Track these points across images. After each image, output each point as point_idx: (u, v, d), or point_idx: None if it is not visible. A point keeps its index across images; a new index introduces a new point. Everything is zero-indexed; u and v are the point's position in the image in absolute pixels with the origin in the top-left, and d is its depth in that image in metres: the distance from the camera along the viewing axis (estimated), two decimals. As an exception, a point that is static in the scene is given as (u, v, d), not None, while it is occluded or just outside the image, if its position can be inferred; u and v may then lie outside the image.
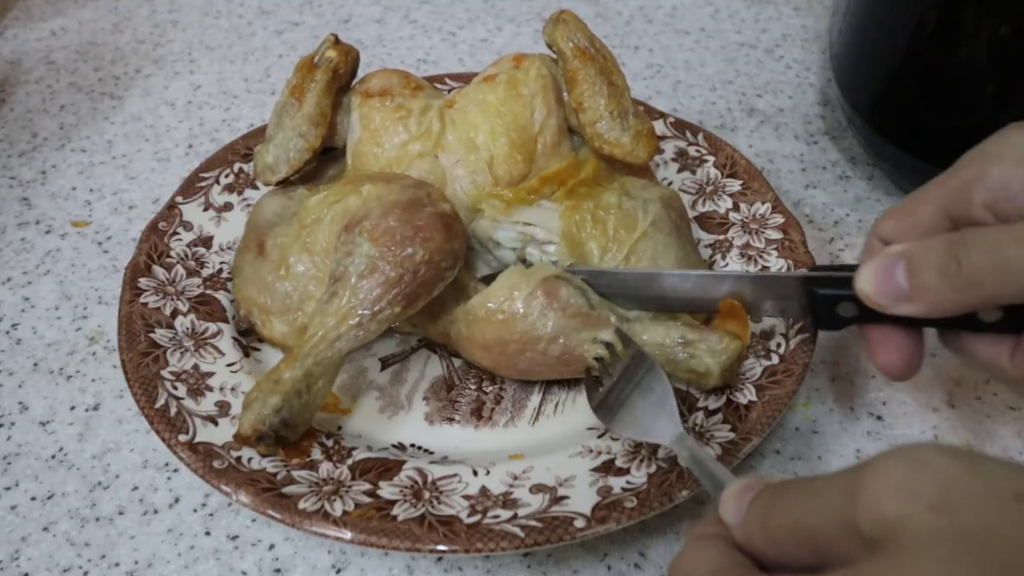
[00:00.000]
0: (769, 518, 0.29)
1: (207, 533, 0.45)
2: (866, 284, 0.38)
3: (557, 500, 0.42)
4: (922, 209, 0.39)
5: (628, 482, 0.42)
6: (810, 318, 0.46)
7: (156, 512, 0.46)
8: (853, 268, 0.40)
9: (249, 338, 0.51)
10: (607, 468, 0.43)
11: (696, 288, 0.47)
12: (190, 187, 0.58)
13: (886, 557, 0.25)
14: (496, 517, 0.41)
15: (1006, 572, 0.24)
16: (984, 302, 0.36)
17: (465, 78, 0.66)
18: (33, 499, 0.46)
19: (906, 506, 0.25)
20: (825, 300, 0.43)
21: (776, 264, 0.53)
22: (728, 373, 0.45)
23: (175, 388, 0.47)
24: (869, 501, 0.26)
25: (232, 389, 0.47)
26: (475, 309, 0.46)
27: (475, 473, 0.44)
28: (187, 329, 0.50)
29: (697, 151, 0.61)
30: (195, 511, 0.46)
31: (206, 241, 0.56)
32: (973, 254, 0.35)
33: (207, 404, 0.46)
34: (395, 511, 0.41)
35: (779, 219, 0.55)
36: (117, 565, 0.43)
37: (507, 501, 0.42)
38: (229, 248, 0.56)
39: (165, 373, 0.47)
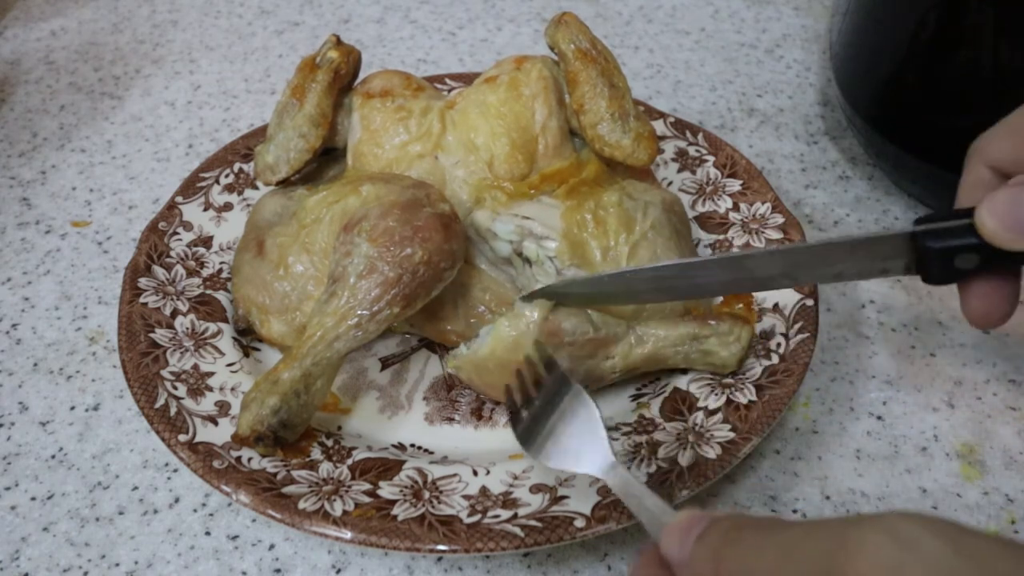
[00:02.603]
0: (723, 560, 0.27)
1: (207, 533, 0.45)
2: (990, 221, 0.34)
3: (557, 500, 0.42)
4: None
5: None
6: (917, 274, 0.40)
7: (156, 512, 0.46)
8: (962, 214, 0.36)
9: (248, 338, 0.51)
10: (607, 468, 0.44)
11: (787, 264, 0.41)
12: (190, 187, 0.58)
13: None
14: (496, 517, 0.41)
15: None
16: None
17: (465, 78, 0.66)
18: (33, 499, 0.46)
19: None
20: (940, 254, 0.37)
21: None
22: (744, 358, 0.47)
23: (175, 388, 0.47)
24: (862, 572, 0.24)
25: (232, 389, 0.47)
26: (484, 362, 0.45)
27: (475, 473, 0.44)
28: (187, 329, 0.50)
29: (697, 151, 0.61)
30: (195, 511, 0.46)
31: (206, 241, 0.56)
32: None
33: (207, 404, 0.46)
34: (395, 511, 0.41)
35: (779, 219, 0.55)
36: (117, 565, 0.43)
37: (507, 501, 0.42)
38: (229, 248, 0.56)
39: (165, 373, 0.47)
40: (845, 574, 0.24)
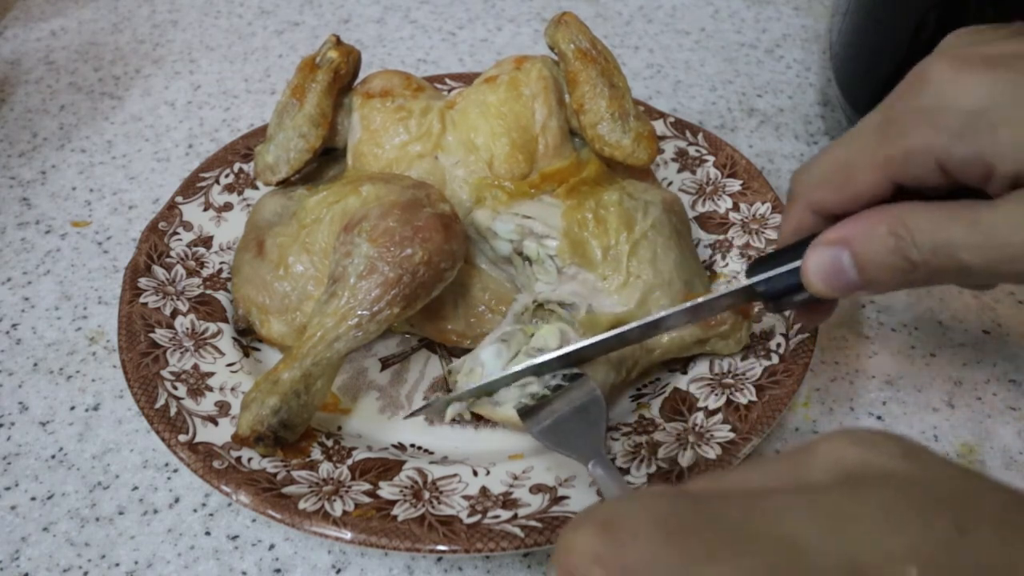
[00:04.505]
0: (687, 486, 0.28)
1: (207, 533, 0.45)
2: (817, 281, 0.39)
3: (557, 500, 0.42)
4: (862, 180, 0.38)
5: (628, 482, 0.42)
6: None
7: (156, 512, 0.46)
8: (788, 256, 0.41)
9: (248, 338, 0.51)
10: (607, 468, 0.44)
11: (667, 324, 0.45)
12: (190, 187, 0.58)
13: (847, 485, 0.24)
14: (496, 517, 0.41)
15: (979, 524, 0.23)
16: (937, 281, 0.37)
17: (465, 78, 0.66)
18: (33, 499, 0.46)
19: (870, 455, 0.25)
20: (776, 296, 0.42)
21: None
22: (745, 342, 0.49)
23: (175, 388, 0.47)
24: (829, 451, 0.25)
25: (232, 389, 0.47)
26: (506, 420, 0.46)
27: (475, 473, 0.44)
28: (187, 329, 0.50)
29: (697, 151, 0.61)
30: (195, 511, 0.46)
31: (206, 241, 0.56)
32: (922, 245, 0.35)
33: (207, 404, 0.46)
34: (395, 511, 0.41)
35: (779, 219, 0.55)
36: (117, 565, 0.43)
37: (507, 501, 0.42)
38: (229, 248, 0.56)
39: (165, 373, 0.47)
40: (817, 455, 0.25)
